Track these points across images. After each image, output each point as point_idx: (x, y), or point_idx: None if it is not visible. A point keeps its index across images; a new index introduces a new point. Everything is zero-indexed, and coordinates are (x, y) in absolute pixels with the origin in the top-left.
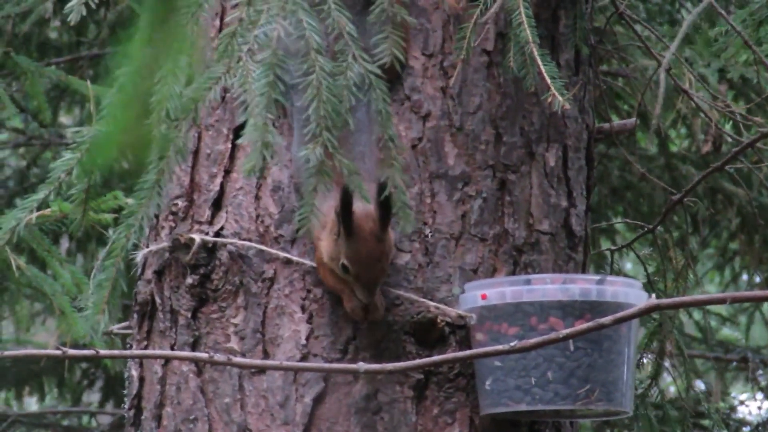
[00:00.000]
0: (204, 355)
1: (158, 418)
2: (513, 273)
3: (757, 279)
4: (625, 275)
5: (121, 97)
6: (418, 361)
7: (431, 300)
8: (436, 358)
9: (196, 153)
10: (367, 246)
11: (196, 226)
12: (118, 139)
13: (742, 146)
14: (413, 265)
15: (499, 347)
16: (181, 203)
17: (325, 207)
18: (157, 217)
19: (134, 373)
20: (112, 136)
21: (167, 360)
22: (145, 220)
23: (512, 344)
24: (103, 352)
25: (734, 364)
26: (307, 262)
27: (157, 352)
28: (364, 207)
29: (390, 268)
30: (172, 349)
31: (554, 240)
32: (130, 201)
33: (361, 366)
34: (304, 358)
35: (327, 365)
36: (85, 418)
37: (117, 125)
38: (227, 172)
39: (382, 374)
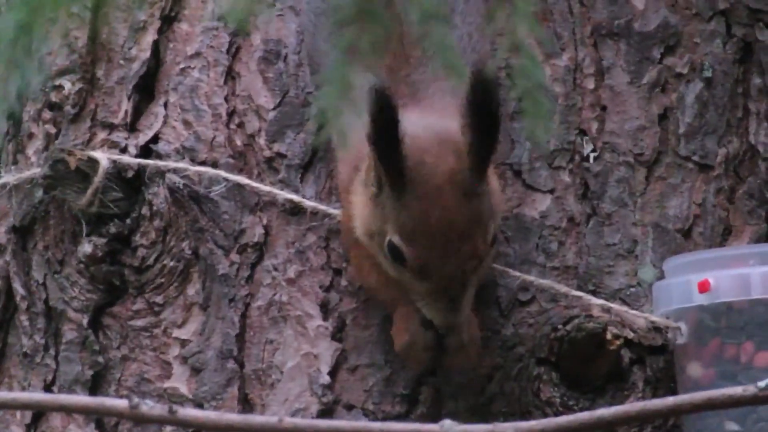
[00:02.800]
0: (119, 404)
1: None
2: (767, 237)
3: None
4: None
5: None
6: (566, 420)
7: (593, 294)
8: (602, 411)
9: None
10: (443, 210)
11: (102, 134)
12: None
13: None
14: (557, 222)
15: (737, 391)
16: (70, 85)
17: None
18: (15, 116)
19: None
20: None
21: (38, 414)
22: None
23: (763, 385)
24: None
25: None
26: (335, 210)
27: (18, 395)
28: (437, 125)
29: (512, 225)
30: (48, 390)
31: None
32: None
33: (448, 428)
34: (327, 412)
35: (376, 426)
36: None
37: None
38: (168, 20)
39: None
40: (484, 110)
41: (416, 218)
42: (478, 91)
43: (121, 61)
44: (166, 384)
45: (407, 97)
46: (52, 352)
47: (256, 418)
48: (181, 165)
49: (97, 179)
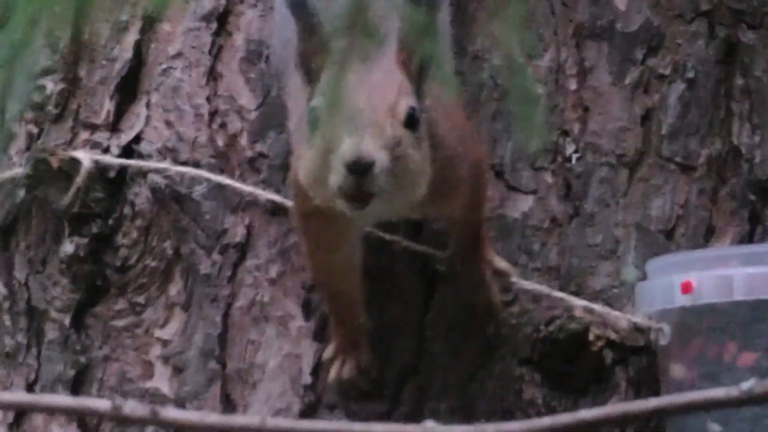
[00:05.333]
0: (101, 404)
1: None
2: (750, 238)
3: None
4: None
5: None
6: (548, 421)
7: (576, 294)
8: (585, 413)
9: None
10: (361, 66)
11: (85, 134)
12: None
13: None
14: (540, 222)
15: (720, 392)
16: (52, 86)
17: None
18: (2, 117)
19: None
20: None
21: (20, 414)
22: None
23: (746, 386)
24: None
25: None
26: None
27: (1, 395)
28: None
29: (494, 225)
30: (30, 389)
31: None
32: None
33: (431, 429)
34: (309, 412)
35: (358, 427)
36: None
37: None
38: (150, 22)
39: None
40: None
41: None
42: None
43: (104, 62)
44: (148, 384)
45: None
46: (34, 351)
47: (238, 419)
48: (162, 165)
49: (79, 179)
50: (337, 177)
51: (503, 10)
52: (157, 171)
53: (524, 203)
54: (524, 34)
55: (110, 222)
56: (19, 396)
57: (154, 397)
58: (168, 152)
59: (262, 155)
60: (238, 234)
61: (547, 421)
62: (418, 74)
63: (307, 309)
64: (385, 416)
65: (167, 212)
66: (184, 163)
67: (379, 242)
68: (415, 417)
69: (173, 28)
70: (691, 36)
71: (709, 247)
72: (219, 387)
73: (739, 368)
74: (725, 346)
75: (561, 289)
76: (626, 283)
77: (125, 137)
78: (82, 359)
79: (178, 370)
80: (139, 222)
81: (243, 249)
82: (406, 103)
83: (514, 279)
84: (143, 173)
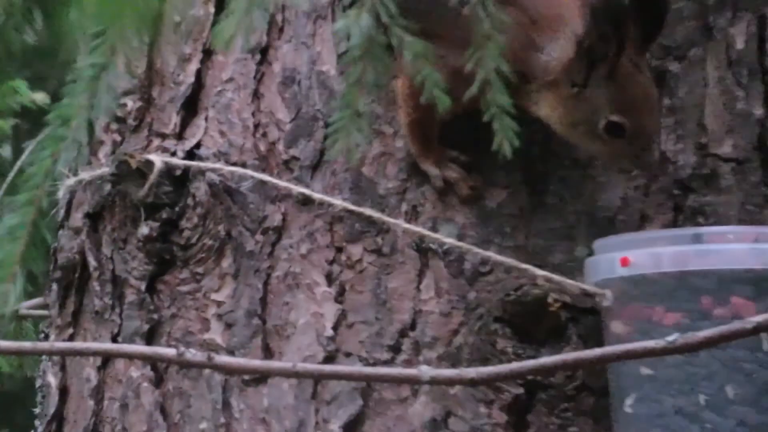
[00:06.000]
0: (169, 352)
1: None
2: (674, 223)
3: None
4: None
5: None
6: (516, 366)
7: (539, 266)
8: (545, 360)
9: (155, 19)
10: (649, 82)
11: (157, 141)
12: None
13: None
14: (511, 209)
15: (650, 344)
16: (131, 103)
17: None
18: (90, 125)
19: (52, 380)
20: None
21: (106, 360)
22: (84, 132)
23: (671, 339)
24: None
25: None
26: (337, 201)
27: (91, 345)
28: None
29: (475, 213)
30: (114, 340)
31: (742, 171)
32: (39, 97)
33: (425, 372)
34: (330, 359)
35: (368, 370)
36: None
37: None
38: (208, 54)
39: (459, 386)
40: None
41: (638, 95)
42: None
43: (172, 85)
44: (206, 336)
45: None
46: (117, 310)
47: (275, 364)
48: (217, 165)
49: (153, 176)
50: None
51: (487, 42)
52: (213, 170)
53: (499, 196)
54: (504, 65)
55: (176, 210)
56: (106, 345)
57: (210, 347)
58: (221, 155)
59: (294, 158)
60: (275, 220)
61: (515, 365)
62: None
63: (330, 278)
64: (389, 362)
65: (221, 202)
66: (233, 164)
67: (379, 224)
68: (411, 364)
69: (226, 58)
70: None
71: (642, 231)
72: (260, 339)
73: (665, 326)
74: (654, 308)
75: (527, 262)
76: (578, 259)
77: (188, 144)
78: (155, 317)
79: (228, 326)
80: (199, 210)
81: (279, 231)
82: None
83: (493, 255)
84: (202, 172)
